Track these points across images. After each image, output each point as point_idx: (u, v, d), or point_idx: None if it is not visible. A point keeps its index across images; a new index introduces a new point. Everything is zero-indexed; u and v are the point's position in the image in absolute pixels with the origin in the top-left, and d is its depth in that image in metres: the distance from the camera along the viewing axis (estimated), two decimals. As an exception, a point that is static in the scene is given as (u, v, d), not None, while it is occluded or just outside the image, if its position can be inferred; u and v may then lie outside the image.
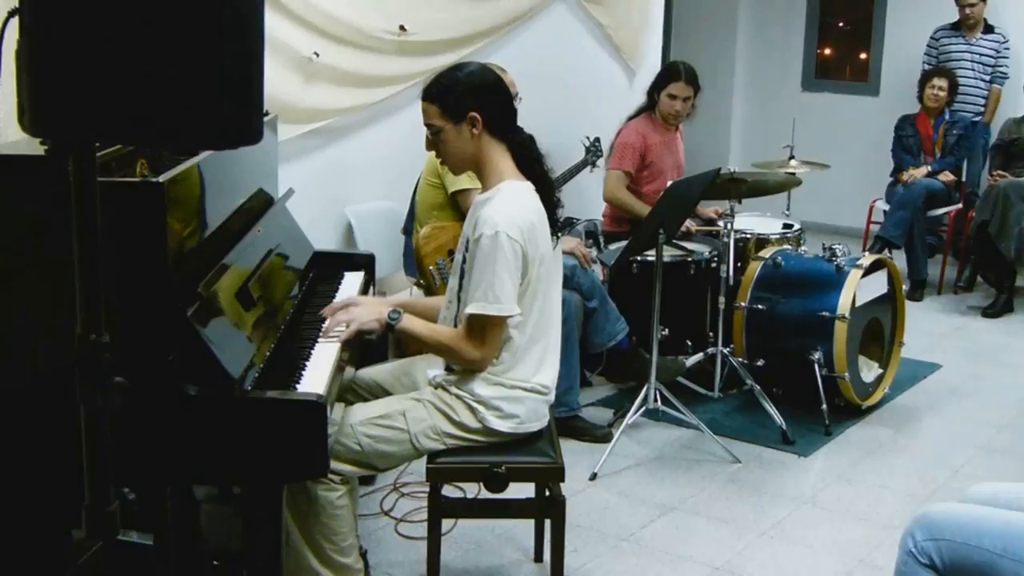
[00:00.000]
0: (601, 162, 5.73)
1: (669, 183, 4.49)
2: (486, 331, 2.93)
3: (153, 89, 1.62)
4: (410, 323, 3.03)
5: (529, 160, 3.06)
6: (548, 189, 3.07)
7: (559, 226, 3.12)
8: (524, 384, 3.03)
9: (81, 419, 1.75)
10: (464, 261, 2.99)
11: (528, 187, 3.01)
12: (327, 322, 3.08)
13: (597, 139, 5.77)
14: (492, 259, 2.85)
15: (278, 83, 4.34)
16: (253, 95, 1.69)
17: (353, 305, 3.12)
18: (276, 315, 3.02)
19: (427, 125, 3.00)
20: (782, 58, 8.99)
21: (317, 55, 4.56)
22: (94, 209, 1.71)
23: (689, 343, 5.03)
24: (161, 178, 2.42)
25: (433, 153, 3.08)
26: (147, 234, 2.42)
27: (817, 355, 4.72)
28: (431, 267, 4.26)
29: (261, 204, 3.37)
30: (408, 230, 4.73)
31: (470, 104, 2.94)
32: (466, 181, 4.19)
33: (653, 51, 7.22)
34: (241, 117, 1.68)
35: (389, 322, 3.01)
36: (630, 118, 5.63)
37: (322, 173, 4.89)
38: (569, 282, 4.55)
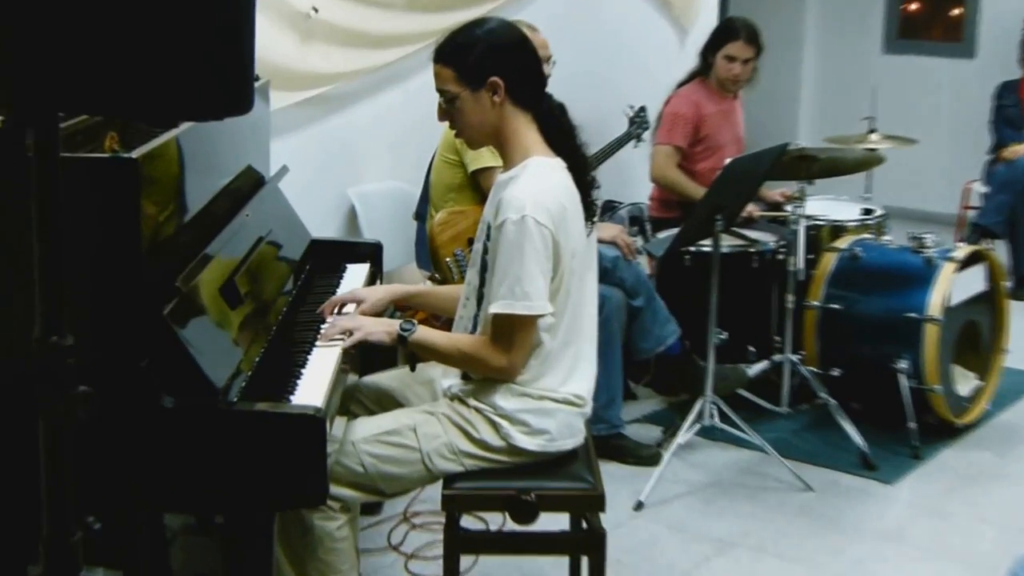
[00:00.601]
0: (647, 136, 5.71)
1: (728, 160, 4.47)
2: (514, 334, 2.92)
3: (125, 50, 1.63)
4: (425, 335, 3.03)
5: (560, 133, 3.05)
6: (582, 167, 3.06)
7: (595, 211, 3.11)
8: (554, 394, 3.02)
9: (40, 435, 1.76)
10: (485, 252, 2.99)
11: (558, 164, 3.01)
12: (327, 324, 3.08)
13: (643, 108, 5.76)
14: (518, 248, 2.85)
15: (270, 43, 4.34)
16: (242, 57, 1.69)
17: (357, 301, 3.12)
18: (267, 314, 3.03)
19: (440, 91, 3.00)
20: (860, 14, 8.95)
21: (316, 10, 4.57)
22: (56, 190, 1.71)
23: (752, 349, 5.01)
24: (134, 154, 2.43)
25: (448, 125, 3.09)
26: (117, 219, 2.43)
27: (903, 364, 4.70)
28: (447, 259, 4.27)
29: (250, 184, 3.37)
30: (421, 215, 4.73)
31: (490, 67, 2.94)
32: (489, 158, 4.18)
33: (709, 7, 7.20)
34: (228, 83, 1.69)
35: (401, 334, 3.01)
36: (680, 85, 5.62)
37: (321, 148, 4.90)
38: (610, 276, 4.54)
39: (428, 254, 4.42)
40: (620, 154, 5.65)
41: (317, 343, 3.02)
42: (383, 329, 3.04)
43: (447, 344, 3.03)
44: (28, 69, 1.62)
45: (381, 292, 3.34)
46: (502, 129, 3.00)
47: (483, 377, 3.03)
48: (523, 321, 2.91)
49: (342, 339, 3.02)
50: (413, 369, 3.17)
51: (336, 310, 3.24)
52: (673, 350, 4.83)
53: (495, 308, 2.89)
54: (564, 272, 2.95)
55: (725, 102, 5.57)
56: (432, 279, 4.45)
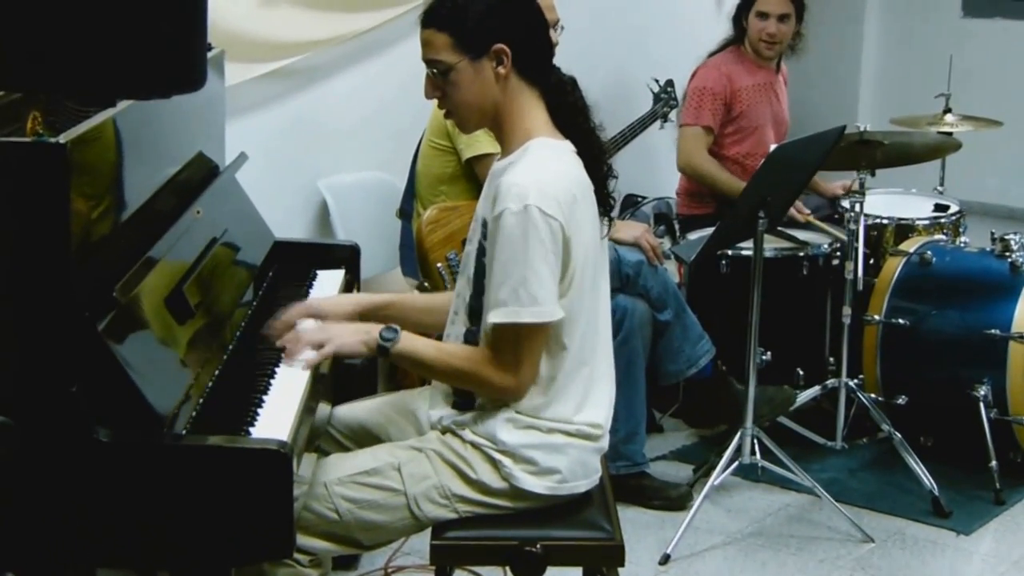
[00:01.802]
0: (675, 115, 5.73)
1: (773, 147, 4.48)
2: (521, 345, 2.91)
3: (52, 13, 1.63)
4: (411, 344, 3.00)
5: (570, 112, 3.05)
6: (595, 152, 3.06)
7: (611, 205, 3.11)
8: (566, 426, 3.02)
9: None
10: (481, 254, 2.99)
11: (566, 147, 3.00)
12: (286, 337, 3.04)
13: (670, 83, 5.78)
14: (522, 244, 2.84)
15: (226, 5, 4.35)
16: (192, 23, 1.70)
17: (318, 317, 3.09)
18: (222, 330, 3.03)
19: (429, 62, 2.99)
20: (935, -30, 8.96)
21: (280, -34, 4.59)
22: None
23: (800, 372, 5.02)
24: (62, 138, 2.42)
25: (437, 104, 3.09)
26: (42, 215, 2.43)
27: (983, 391, 4.70)
28: (439, 264, 4.28)
29: (202, 175, 3.38)
30: (407, 212, 4.74)
31: (496, 31, 2.94)
32: (487, 143, 4.20)
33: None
34: (175, 53, 1.69)
35: (381, 344, 2.98)
36: (711, 55, 5.64)
37: (287, 131, 4.91)
38: (632, 286, 4.55)
39: (415, 259, 4.43)
40: (644, 138, 5.66)
41: (281, 363, 3.02)
42: (358, 338, 3.00)
43: (439, 357, 3.01)
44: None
45: (347, 303, 3.28)
46: (504, 108, 2.99)
47: (483, 400, 3.03)
48: (531, 331, 2.89)
49: (307, 358, 2.97)
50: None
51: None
52: (705, 372, 4.84)
53: (496, 317, 2.87)
54: (575, 275, 2.93)
55: (762, 73, 5.59)
56: (421, 288, 4.45)
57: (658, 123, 5.74)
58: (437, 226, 4.33)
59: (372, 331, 3.00)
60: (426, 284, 4.37)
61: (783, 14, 5.46)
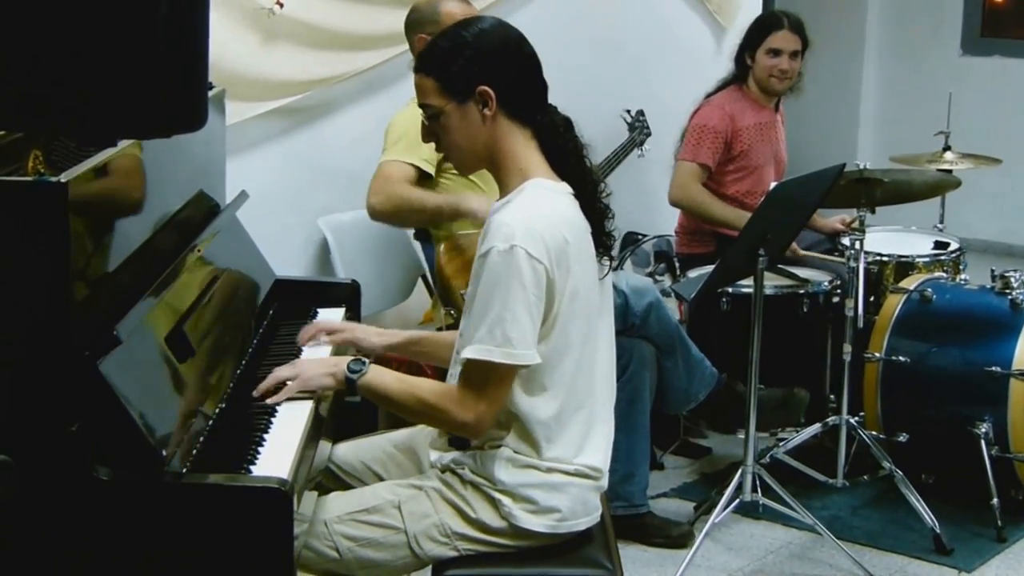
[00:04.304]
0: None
1: (773, 184, 4.49)
2: (487, 384, 2.90)
3: (53, 52, 1.64)
4: (378, 378, 3.00)
5: (564, 152, 3.05)
6: (591, 192, 3.07)
7: (610, 245, 3.11)
8: (565, 466, 3.02)
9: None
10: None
11: (563, 188, 3.01)
12: (266, 380, 3.06)
13: (640, 112, 5.87)
14: (504, 283, 2.83)
15: (226, 45, 4.37)
16: (194, 62, 1.71)
17: (354, 339, 3.13)
18: (223, 368, 3.03)
19: (422, 107, 3.01)
20: (934, 6, 8.98)
21: (281, 5, 4.60)
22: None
23: (804, 391, 5.00)
24: (63, 177, 2.44)
25: (435, 148, 3.09)
26: (42, 254, 2.43)
27: (984, 428, 4.69)
28: (461, 291, 4.27)
29: (202, 213, 3.39)
30: (421, 235, 4.76)
31: (478, 74, 2.94)
32: (405, 152, 4.35)
33: (751, 4, 7.24)
34: (176, 93, 1.70)
35: (349, 376, 2.99)
36: (709, 95, 5.66)
37: (287, 170, 4.92)
38: (637, 331, 4.50)
39: (440, 286, 4.45)
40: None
41: (281, 403, 3.02)
42: (325, 370, 3.02)
43: (402, 390, 3.00)
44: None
45: (375, 336, 3.36)
46: (496, 149, 2.99)
47: (478, 441, 3.03)
48: (501, 371, 2.88)
49: (277, 395, 3.02)
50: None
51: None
52: (718, 384, 4.81)
53: (469, 352, 2.86)
54: (559, 317, 2.93)
55: (764, 113, 5.61)
56: (449, 316, 4.46)
57: (637, 151, 5.87)
58: (453, 255, 4.36)
59: (340, 363, 3.02)
60: (452, 312, 4.37)
61: (795, 51, 5.50)
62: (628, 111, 5.93)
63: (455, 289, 4.30)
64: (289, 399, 3.02)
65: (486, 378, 2.89)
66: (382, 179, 4.42)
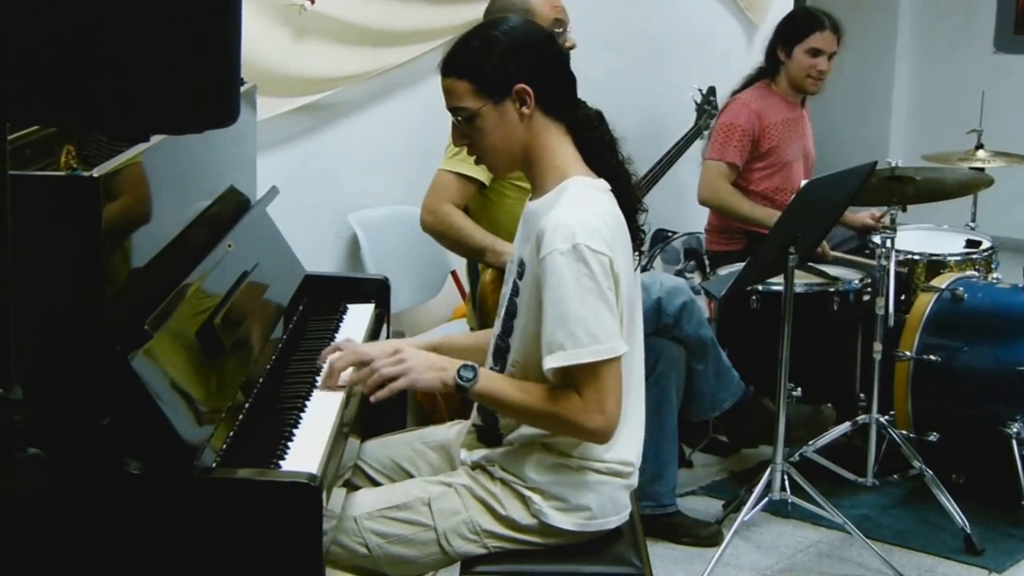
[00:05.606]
0: (693, 144, 5.77)
1: (804, 182, 4.48)
2: (602, 384, 2.84)
3: (86, 48, 1.64)
4: (492, 384, 2.93)
5: (598, 146, 3.04)
6: (626, 187, 3.06)
7: (642, 240, 3.10)
8: (596, 464, 3.01)
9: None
10: (515, 292, 2.97)
11: (602, 186, 2.99)
12: (361, 373, 2.98)
13: (711, 90, 5.80)
14: (574, 283, 2.80)
15: (258, 41, 4.38)
16: (226, 58, 1.71)
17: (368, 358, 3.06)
18: (252, 363, 3.04)
19: (453, 110, 2.97)
20: (967, 5, 8.94)
21: (312, 2, 4.60)
22: (4, 213, 1.73)
23: (831, 408, 4.99)
24: (95, 172, 2.44)
25: (466, 151, 3.06)
26: (74, 249, 2.44)
27: (1016, 427, 4.68)
28: None
29: (233, 208, 3.39)
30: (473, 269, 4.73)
31: (515, 72, 2.92)
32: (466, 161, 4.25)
33: (783, 1, 7.23)
34: (208, 89, 1.70)
35: (460, 384, 2.91)
36: (735, 92, 5.65)
37: (317, 165, 4.92)
38: (669, 332, 4.49)
39: (482, 312, 4.39)
40: (674, 175, 5.67)
41: (312, 395, 3.02)
42: (435, 375, 2.93)
43: (520, 399, 2.92)
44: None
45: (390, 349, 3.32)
46: (533, 148, 2.97)
47: (512, 436, 3.02)
48: (599, 368, 2.83)
49: (380, 391, 2.92)
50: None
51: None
52: (744, 395, 4.81)
53: (553, 361, 2.81)
54: (624, 309, 2.92)
55: (794, 110, 5.60)
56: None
57: (702, 135, 5.79)
58: (498, 284, 4.34)
59: (449, 369, 2.92)
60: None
61: (833, 52, 5.50)
62: (699, 89, 5.83)
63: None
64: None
65: (596, 378, 2.83)
66: (435, 193, 4.34)
